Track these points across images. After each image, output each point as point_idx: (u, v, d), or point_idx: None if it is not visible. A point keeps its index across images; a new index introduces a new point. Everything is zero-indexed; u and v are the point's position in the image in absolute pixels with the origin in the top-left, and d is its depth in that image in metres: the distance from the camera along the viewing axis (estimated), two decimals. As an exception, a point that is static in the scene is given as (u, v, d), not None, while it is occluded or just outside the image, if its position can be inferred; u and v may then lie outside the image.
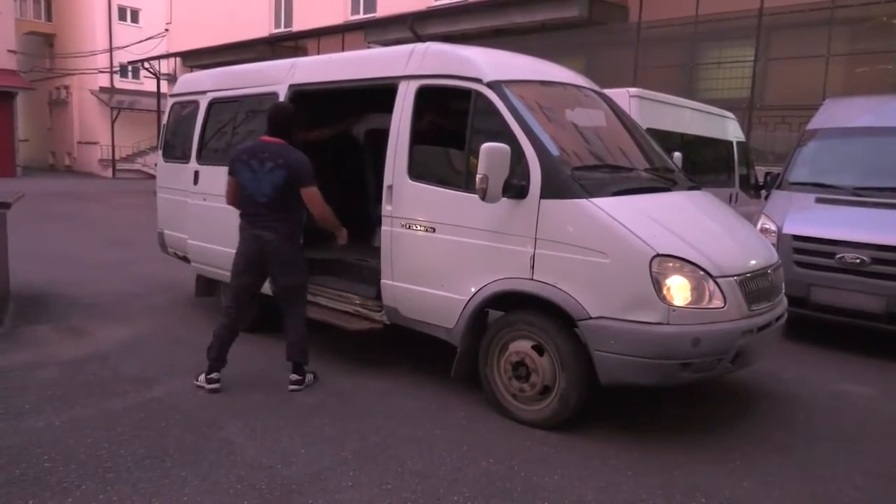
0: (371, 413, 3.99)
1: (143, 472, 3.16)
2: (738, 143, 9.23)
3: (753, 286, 3.72)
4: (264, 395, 4.22)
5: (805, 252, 5.76)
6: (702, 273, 3.48)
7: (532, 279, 3.72)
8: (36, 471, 3.13)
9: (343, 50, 15.13)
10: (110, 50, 31.66)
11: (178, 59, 22.57)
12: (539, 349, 3.79)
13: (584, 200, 3.60)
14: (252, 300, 4.52)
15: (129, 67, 29.70)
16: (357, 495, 3.03)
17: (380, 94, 4.72)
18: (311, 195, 4.22)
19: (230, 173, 4.32)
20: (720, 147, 8.75)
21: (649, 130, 5.90)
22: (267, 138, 4.26)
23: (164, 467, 3.22)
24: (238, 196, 4.32)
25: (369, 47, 14.22)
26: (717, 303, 3.50)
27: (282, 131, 4.28)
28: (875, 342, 5.64)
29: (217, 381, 4.26)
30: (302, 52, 17.44)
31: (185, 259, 6.20)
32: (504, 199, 3.73)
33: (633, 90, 6.84)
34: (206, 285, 6.11)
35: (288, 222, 4.26)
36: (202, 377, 4.27)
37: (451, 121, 4.62)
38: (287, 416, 3.90)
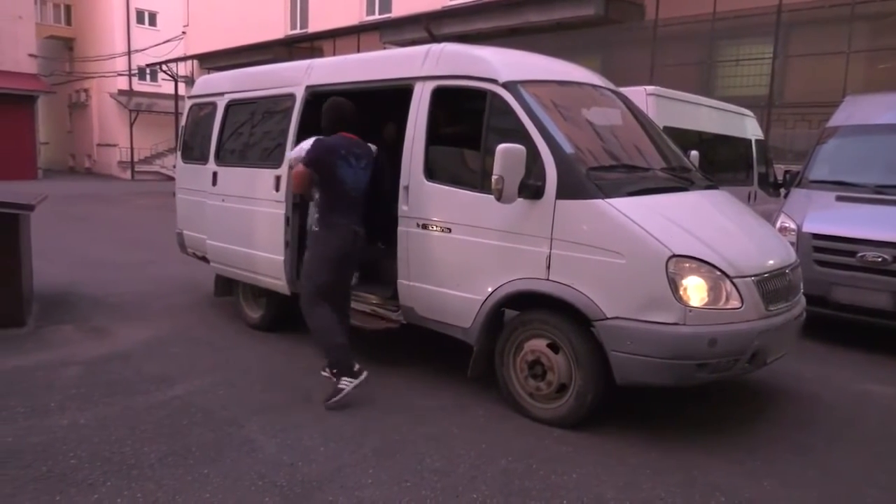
0: (390, 411, 4.02)
1: (167, 470, 3.22)
2: (757, 141, 9.15)
3: (771, 286, 3.70)
4: (284, 394, 4.26)
5: (825, 251, 5.70)
6: (718, 273, 3.47)
7: (548, 279, 3.73)
8: (62, 468, 3.20)
9: (359, 51, 15.19)
10: (128, 53, 32.05)
11: (196, 61, 22.81)
12: (554, 347, 3.80)
13: (600, 201, 3.61)
14: (348, 297, 4.57)
15: (147, 70, 30.10)
16: (376, 492, 3.06)
17: (396, 95, 4.75)
18: None
19: (310, 164, 4.20)
20: (739, 145, 8.68)
21: (667, 129, 5.88)
22: (348, 135, 4.29)
23: (187, 464, 3.28)
24: (332, 190, 4.22)
25: (385, 48, 14.29)
26: (734, 303, 3.49)
27: (353, 127, 4.35)
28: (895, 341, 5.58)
29: (359, 372, 4.16)
30: (318, 52, 17.54)
31: (205, 259, 6.27)
32: (520, 200, 3.74)
33: (650, 88, 6.81)
34: (226, 285, 6.18)
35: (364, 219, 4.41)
36: (344, 381, 4.10)
37: (466, 121, 4.64)
38: (307, 415, 3.94)
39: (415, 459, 3.40)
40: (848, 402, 4.41)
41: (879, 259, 5.39)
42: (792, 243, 5.36)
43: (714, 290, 3.46)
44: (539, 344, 3.85)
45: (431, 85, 4.39)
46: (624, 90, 5.27)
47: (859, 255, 5.49)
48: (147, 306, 6.52)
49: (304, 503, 2.96)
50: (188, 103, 6.95)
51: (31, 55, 27.69)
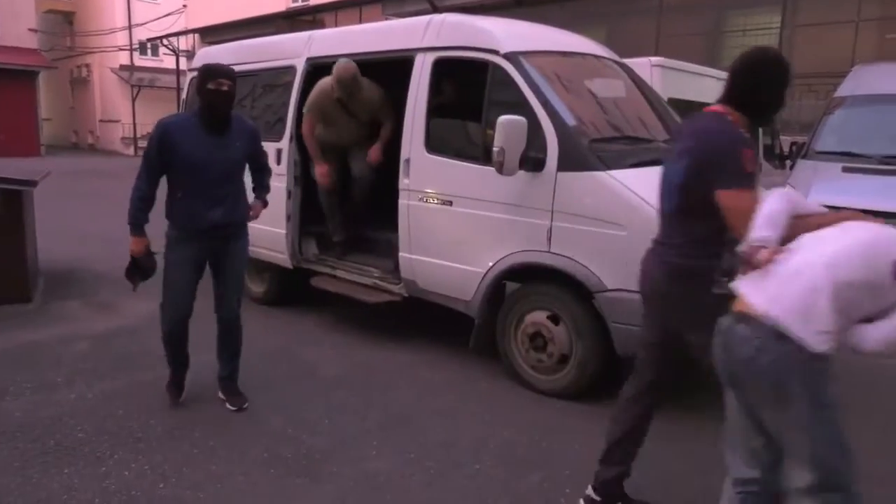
0: (393, 384, 4.06)
1: (174, 443, 3.26)
2: (763, 111, 9.04)
3: (774, 257, 3.68)
4: (288, 368, 4.30)
5: (830, 222, 5.65)
6: (721, 245, 3.44)
7: (549, 252, 3.72)
8: (70, 441, 3.25)
9: (360, 23, 15.01)
10: (129, 27, 31.74)
11: (197, 35, 22.58)
12: (555, 319, 3.81)
13: (602, 173, 3.58)
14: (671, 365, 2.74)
15: (149, 45, 29.79)
16: (380, 464, 3.10)
17: (398, 66, 4.70)
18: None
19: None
20: (744, 116, 8.58)
21: (672, 100, 5.81)
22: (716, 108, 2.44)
23: (193, 437, 3.32)
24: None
25: (387, 20, 14.09)
26: (736, 274, 3.47)
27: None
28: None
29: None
30: (319, 25, 17.31)
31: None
32: (521, 172, 3.72)
33: (654, 59, 6.72)
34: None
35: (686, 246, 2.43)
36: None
37: (468, 93, 4.60)
38: (311, 388, 3.98)
39: (418, 432, 3.44)
40: (856, 375, 4.40)
41: (885, 230, 5.35)
42: (797, 215, 5.31)
43: (715, 262, 3.44)
44: (540, 316, 3.86)
45: (432, 56, 4.34)
46: (629, 61, 5.20)
47: (865, 226, 5.44)
48: (152, 281, 6.51)
49: (309, 475, 3.01)
50: (189, 76, 6.90)
51: (30, 30, 27.44)
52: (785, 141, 9.21)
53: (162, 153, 3.36)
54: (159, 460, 3.08)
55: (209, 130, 3.38)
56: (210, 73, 3.33)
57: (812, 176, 6.07)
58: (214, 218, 3.45)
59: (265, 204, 3.89)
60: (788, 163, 7.88)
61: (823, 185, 5.90)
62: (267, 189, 3.87)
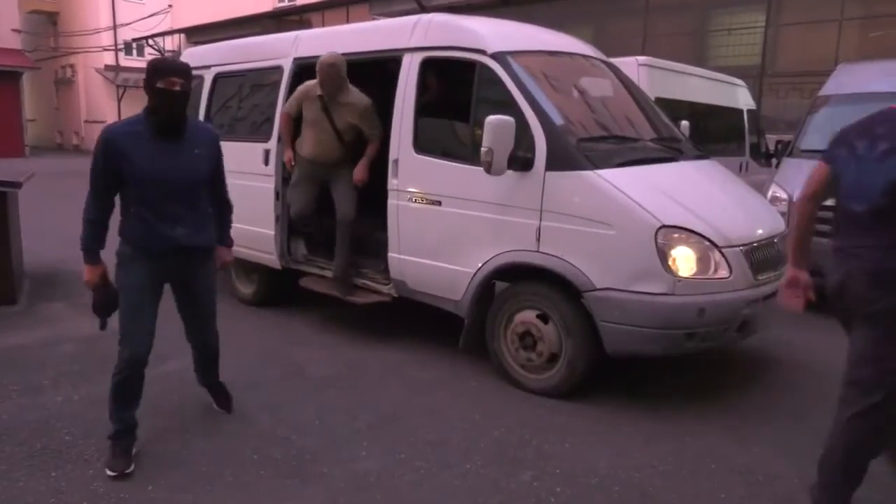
0: (383, 384, 4.05)
1: (162, 445, 3.24)
2: (749, 111, 9.12)
3: (760, 256, 3.72)
4: (278, 369, 4.28)
5: (817, 220, 5.70)
6: (707, 243, 3.48)
7: (538, 251, 3.74)
8: (57, 444, 3.22)
9: (348, 23, 14.97)
10: (114, 27, 31.47)
11: (183, 35, 22.45)
12: (544, 318, 3.82)
13: (590, 172, 3.60)
14: None
15: (134, 45, 29.56)
16: (371, 465, 3.09)
17: (385, 67, 4.70)
18: None
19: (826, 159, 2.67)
20: (730, 115, 8.65)
21: (658, 99, 5.85)
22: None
23: (183, 439, 3.30)
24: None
25: (374, 20, 14.07)
26: (723, 273, 3.51)
27: None
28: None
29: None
30: (307, 25, 17.26)
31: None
32: (509, 172, 3.73)
33: (641, 59, 6.77)
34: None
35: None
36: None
37: (456, 93, 4.61)
38: (300, 389, 3.97)
39: (409, 432, 3.43)
40: (838, 370, 4.40)
41: (869, 227, 5.40)
42: (783, 213, 5.36)
43: (703, 260, 3.48)
44: (529, 315, 3.87)
45: (420, 56, 4.34)
46: (616, 61, 5.23)
47: (849, 223, 5.50)
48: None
49: (300, 476, 3.00)
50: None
51: (14, 30, 27.12)
52: (771, 139, 9.32)
53: (108, 167, 2.88)
54: (147, 463, 3.06)
55: (160, 137, 2.92)
56: (159, 70, 2.85)
57: (797, 174, 6.11)
58: (176, 237, 3.00)
59: (230, 246, 3.47)
60: (774, 161, 7.96)
61: (809, 183, 5.94)
62: (229, 227, 3.42)
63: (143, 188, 2.94)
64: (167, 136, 2.94)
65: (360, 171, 4.76)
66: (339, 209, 4.82)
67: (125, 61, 32.96)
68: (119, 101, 30.86)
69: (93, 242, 3.05)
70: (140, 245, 3.02)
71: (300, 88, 4.85)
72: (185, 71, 2.92)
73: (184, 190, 3.01)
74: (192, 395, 3.81)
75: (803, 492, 2.83)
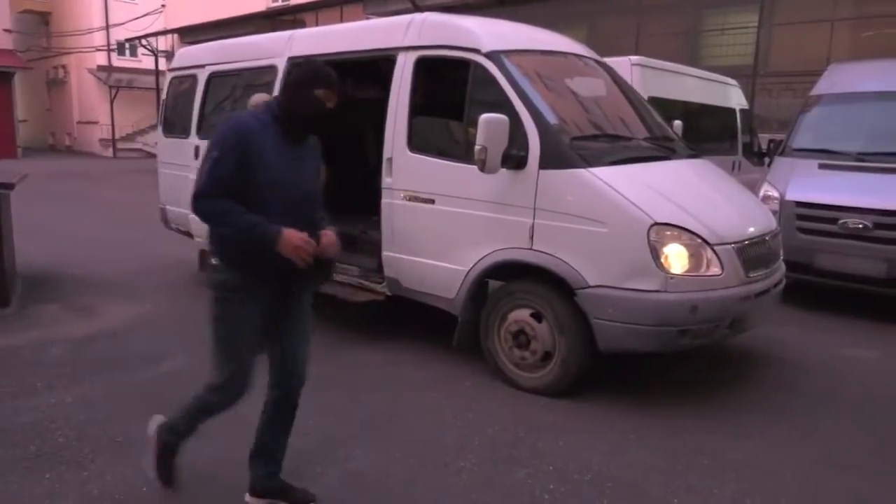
0: (379, 383, 4.05)
1: (155, 445, 3.23)
2: (742, 110, 9.16)
3: (751, 253, 3.74)
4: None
5: (808, 218, 5.76)
6: (699, 241, 3.50)
7: (531, 249, 3.75)
8: (51, 446, 3.20)
9: (342, 22, 14.96)
10: (107, 27, 31.35)
11: (176, 35, 22.37)
12: (538, 317, 3.83)
13: (583, 170, 3.61)
14: None
15: (127, 45, 29.46)
16: (365, 464, 3.10)
17: (379, 66, 4.70)
18: None
19: None
20: (723, 115, 8.69)
21: (652, 99, 5.87)
22: None
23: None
24: None
25: (369, 19, 14.06)
26: (715, 270, 3.53)
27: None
28: (878, 307, 5.67)
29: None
30: (300, 25, 17.22)
31: (188, 234, 6.24)
32: (503, 170, 3.74)
33: (634, 58, 6.79)
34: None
35: None
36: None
37: (450, 92, 4.62)
38: (294, 389, 3.96)
39: (403, 430, 3.44)
40: (830, 366, 4.50)
41: (860, 226, 5.46)
42: (775, 211, 5.40)
43: (695, 258, 3.50)
44: (523, 314, 3.88)
45: (414, 55, 4.35)
46: (609, 60, 5.25)
47: (841, 222, 5.55)
48: (132, 284, 6.48)
49: (295, 476, 2.99)
50: (168, 76, 6.86)
51: (6, 30, 27.02)
52: (763, 138, 9.35)
53: (239, 164, 2.36)
54: (142, 465, 3.05)
55: (289, 140, 2.49)
56: (321, 77, 2.45)
57: (789, 173, 6.17)
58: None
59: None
60: (767, 160, 8.00)
61: (800, 182, 5.99)
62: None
63: (275, 195, 2.45)
64: (296, 140, 2.53)
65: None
66: None
67: (118, 61, 32.86)
68: (112, 101, 30.76)
69: (253, 218, 2.36)
70: (255, 268, 2.48)
71: None
72: (338, 87, 2.54)
73: (310, 199, 2.60)
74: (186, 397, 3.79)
75: (795, 486, 2.85)
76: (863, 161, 5.83)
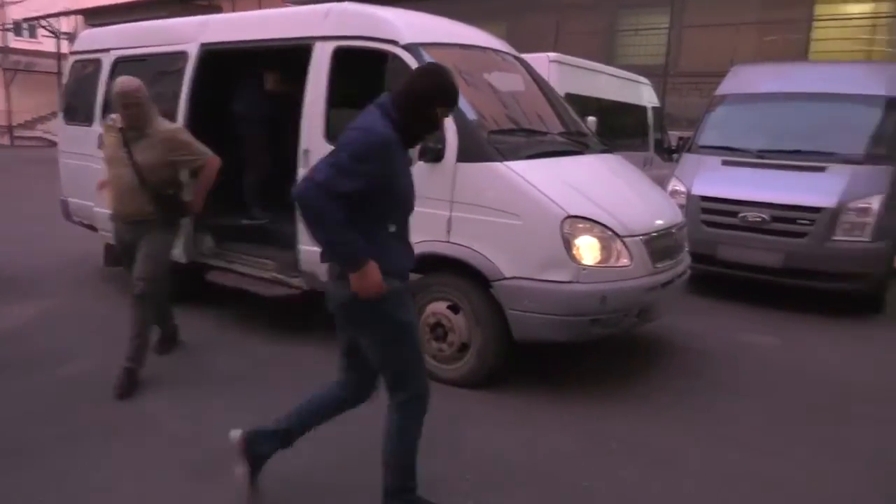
0: (294, 380, 3.97)
1: (62, 449, 3.07)
2: (653, 108, 9.54)
3: (658, 245, 3.91)
4: (185, 368, 4.13)
5: (712, 212, 6.07)
6: (610, 233, 3.63)
7: (448, 242, 3.78)
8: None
9: (260, 9, 14.54)
10: (1, 4, 29.19)
11: (81, 16, 21.12)
12: (454, 308, 3.87)
13: (499, 164, 3.67)
14: None
15: (25, 25, 27.52)
16: (287, 463, 3.03)
17: (295, 55, 4.60)
18: None
19: None
20: (636, 112, 9.03)
21: (568, 95, 6.03)
22: None
23: (83, 445, 3.13)
24: None
25: (287, 6, 13.72)
26: (624, 261, 3.67)
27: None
28: (777, 295, 6.04)
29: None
30: (216, 11, 16.64)
31: (92, 228, 5.92)
32: (420, 163, 3.75)
33: (552, 55, 6.94)
34: (116, 255, 5.84)
35: None
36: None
37: (368, 83, 4.57)
38: (210, 388, 3.85)
39: (323, 425, 3.39)
40: (730, 352, 4.77)
41: (759, 219, 5.80)
42: (681, 205, 5.66)
43: (606, 249, 3.62)
44: (440, 306, 3.91)
45: (332, 45, 4.28)
46: (527, 57, 5.34)
47: (742, 215, 5.89)
48: (36, 281, 6.09)
49: (214, 479, 2.90)
50: (71, 60, 6.47)
51: None
52: (673, 136, 9.78)
53: (377, 178, 2.33)
54: (45, 470, 2.89)
55: (404, 147, 2.49)
56: (448, 94, 2.43)
57: (695, 169, 6.48)
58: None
59: None
60: (675, 156, 8.37)
61: (705, 177, 6.31)
62: None
63: (405, 204, 2.56)
64: (407, 148, 2.53)
65: (198, 199, 4.07)
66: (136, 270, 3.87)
67: (14, 43, 30.62)
68: (8, 86, 28.69)
69: (354, 235, 2.34)
70: (403, 272, 2.60)
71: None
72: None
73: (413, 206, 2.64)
74: (95, 398, 3.62)
75: (698, 464, 3.01)
76: (763, 158, 6.20)
